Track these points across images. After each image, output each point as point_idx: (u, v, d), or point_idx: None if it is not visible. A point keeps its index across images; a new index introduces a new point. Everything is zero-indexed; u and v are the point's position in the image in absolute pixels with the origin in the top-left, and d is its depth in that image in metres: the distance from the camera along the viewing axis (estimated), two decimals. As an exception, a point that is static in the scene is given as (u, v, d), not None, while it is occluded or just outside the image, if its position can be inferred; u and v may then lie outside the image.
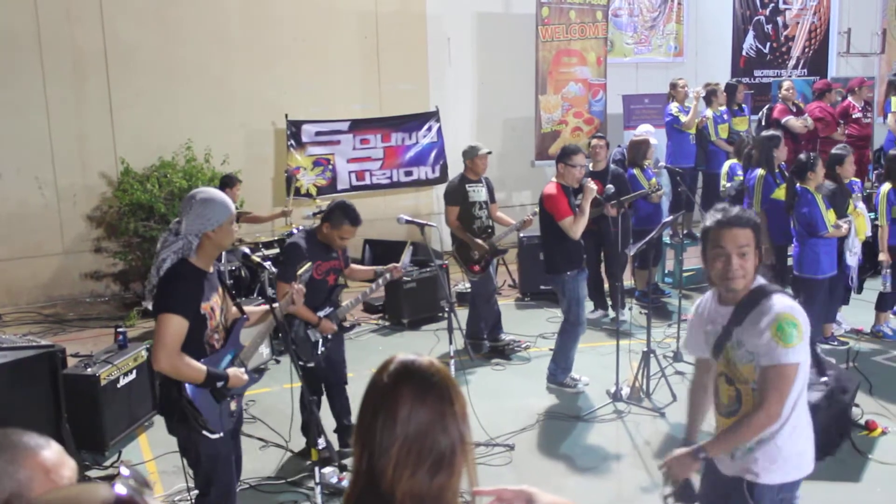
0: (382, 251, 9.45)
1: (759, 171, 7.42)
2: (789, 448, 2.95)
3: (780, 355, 2.81)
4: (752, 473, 2.96)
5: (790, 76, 13.18)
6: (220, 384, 3.67)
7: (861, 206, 7.21)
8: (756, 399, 2.88)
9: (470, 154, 7.36)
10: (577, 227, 6.29)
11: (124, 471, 1.17)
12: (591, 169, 8.12)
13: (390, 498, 1.65)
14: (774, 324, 2.83)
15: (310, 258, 4.97)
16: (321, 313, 5.16)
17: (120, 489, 1.07)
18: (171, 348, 3.52)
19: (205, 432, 3.70)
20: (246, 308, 4.13)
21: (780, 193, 7.11)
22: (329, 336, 5.25)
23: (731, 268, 2.88)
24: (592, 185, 6.38)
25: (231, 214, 3.68)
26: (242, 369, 3.85)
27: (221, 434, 3.77)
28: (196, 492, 3.93)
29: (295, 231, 8.11)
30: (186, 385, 3.63)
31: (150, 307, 3.73)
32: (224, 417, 3.80)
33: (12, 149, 9.26)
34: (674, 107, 9.96)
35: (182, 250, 3.60)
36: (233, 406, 3.86)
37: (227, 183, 8.31)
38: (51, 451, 1.28)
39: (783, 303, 2.90)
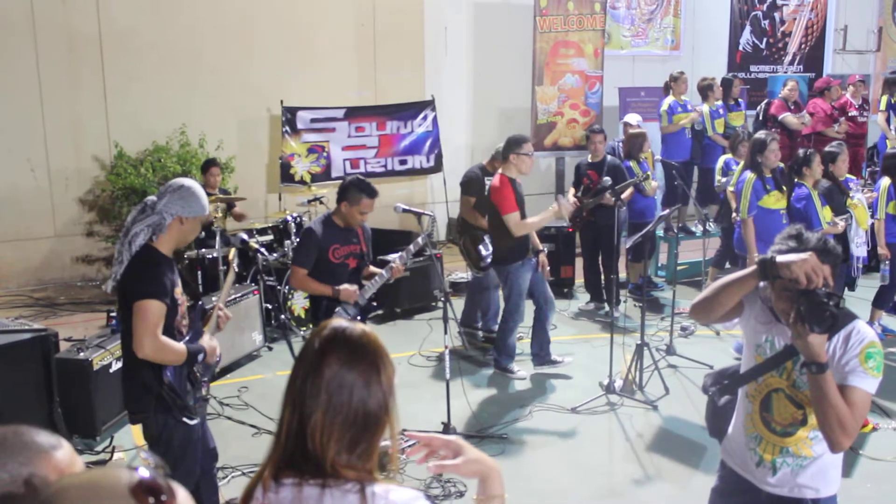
0: (376, 239, 9.39)
1: (749, 175, 6.89)
2: (835, 456, 2.80)
3: (869, 384, 2.61)
4: (811, 489, 2.80)
5: (786, 72, 13.19)
6: (200, 357, 3.67)
7: (860, 196, 7.14)
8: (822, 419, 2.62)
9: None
10: (521, 228, 6.21)
11: (144, 454, 1.16)
12: (588, 161, 8.14)
13: (319, 460, 1.69)
14: (863, 351, 2.62)
15: (325, 242, 5.07)
16: None
17: (143, 472, 1.06)
18: (155, 333, 3.48)
19: (185, 419, 3.67)
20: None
21: (767, 200, 6.91)
22: (360, 317, 5.16)
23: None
24: (556, 206, 6.24)
25: (205, 217, 3.75)
26: (209, 337, 3.85)
27: (198, 420, 3.77)
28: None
29: (289, 218, 8.08)
30: (166, 371, 3.59)
31: (110, 288, 3.62)
32: (199, 403, 3.80)
33: (4, 131, 9.18)
34: (668, 102, 9.94)
35: (155, 226, 3.56)
36: (204, 391, 3.85)
37: (207, 167, 8.44)
38: (63, 452, 1.26)
39: (869, 330, 2.68)
